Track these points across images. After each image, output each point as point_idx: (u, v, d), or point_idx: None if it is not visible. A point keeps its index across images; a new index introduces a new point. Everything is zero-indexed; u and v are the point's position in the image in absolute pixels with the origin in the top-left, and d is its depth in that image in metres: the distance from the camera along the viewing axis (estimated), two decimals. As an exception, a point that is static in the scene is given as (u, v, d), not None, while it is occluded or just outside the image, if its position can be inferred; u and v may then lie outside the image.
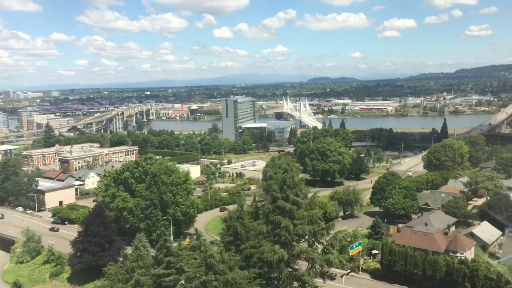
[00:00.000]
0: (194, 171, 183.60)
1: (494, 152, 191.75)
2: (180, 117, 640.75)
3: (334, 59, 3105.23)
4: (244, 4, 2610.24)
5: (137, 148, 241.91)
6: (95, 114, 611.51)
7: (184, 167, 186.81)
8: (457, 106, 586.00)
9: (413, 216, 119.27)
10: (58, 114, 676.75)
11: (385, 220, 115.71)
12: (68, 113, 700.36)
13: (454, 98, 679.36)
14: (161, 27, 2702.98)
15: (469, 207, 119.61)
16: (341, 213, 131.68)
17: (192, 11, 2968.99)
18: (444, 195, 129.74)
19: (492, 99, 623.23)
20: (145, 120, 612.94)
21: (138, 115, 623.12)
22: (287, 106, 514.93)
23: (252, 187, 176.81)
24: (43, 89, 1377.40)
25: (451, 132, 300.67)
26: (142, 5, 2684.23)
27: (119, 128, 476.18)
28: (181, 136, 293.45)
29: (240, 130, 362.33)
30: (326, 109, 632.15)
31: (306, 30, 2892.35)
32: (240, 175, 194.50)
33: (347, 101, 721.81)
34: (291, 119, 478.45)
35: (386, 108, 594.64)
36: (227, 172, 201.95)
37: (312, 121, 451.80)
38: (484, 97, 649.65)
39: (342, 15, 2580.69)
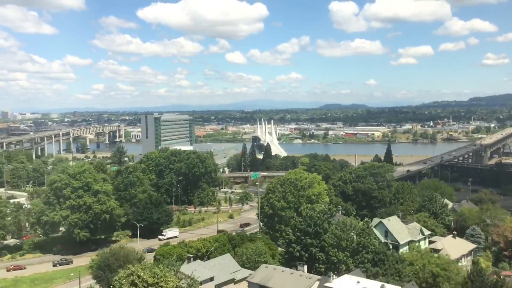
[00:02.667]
0: None
1: (401, 193, 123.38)
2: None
3: (349, 86, 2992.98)
4: (258, 29, 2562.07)
5: None
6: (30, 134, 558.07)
7: None
8: (451, 133, 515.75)
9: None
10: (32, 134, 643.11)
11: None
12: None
13: (452, 125, 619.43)
14: (176, 51, 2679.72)
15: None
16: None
17: (204, 35, 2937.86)
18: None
19: (493, 126, 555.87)
20: (107, 142, 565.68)
21: (103, 135, 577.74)
22: (259, 130, 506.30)
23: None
24: (62, 111, 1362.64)
25: (398, 160, 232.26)
26: (153, 29, 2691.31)
27: (58, 150, 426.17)
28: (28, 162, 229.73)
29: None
30: (308, 134, 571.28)
31: (320, 57, 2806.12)
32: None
33: (339, 125, 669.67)
34: (266, 143, 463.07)
35: (372, 134, 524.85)
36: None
37: (275, 146, 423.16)
38: (484, 124, 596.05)
39: (355, 42, 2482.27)
